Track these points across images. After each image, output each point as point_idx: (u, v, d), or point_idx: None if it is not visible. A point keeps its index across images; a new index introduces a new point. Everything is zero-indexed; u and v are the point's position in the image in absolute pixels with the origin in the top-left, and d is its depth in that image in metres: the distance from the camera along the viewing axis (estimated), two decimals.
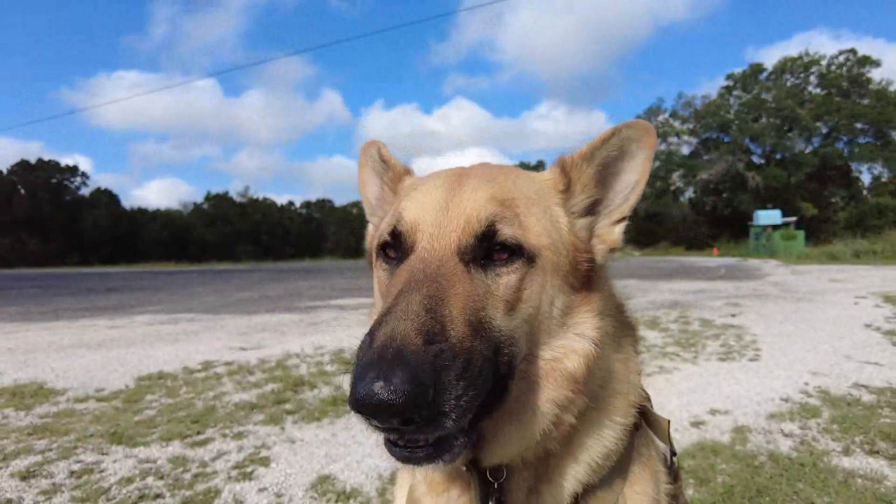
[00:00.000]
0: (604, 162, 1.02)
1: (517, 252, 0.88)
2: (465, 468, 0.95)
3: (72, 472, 3.30)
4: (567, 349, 0.90)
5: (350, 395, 0.67)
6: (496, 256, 0.88)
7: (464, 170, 1.05)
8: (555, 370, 0.89)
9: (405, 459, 0.76)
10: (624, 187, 1.02)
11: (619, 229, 1.03)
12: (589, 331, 0.92)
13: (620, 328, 1.06)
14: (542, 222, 0.93)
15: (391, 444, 0.77)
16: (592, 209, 1.05)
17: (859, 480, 3.01)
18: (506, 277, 0.87)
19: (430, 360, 0.68)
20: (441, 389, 0.67)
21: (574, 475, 0.96)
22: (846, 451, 3.41)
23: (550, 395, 0.89)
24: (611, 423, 0.99)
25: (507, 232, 0.88)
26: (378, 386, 0.64)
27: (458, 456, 0.79)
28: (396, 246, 0.95)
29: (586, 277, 0.96)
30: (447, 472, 0.98)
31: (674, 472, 1.16)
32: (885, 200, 44.00)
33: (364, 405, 0.65)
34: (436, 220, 0.91)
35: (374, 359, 0.67)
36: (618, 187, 1.03)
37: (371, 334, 0.74)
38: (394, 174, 1.19)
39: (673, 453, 1.19)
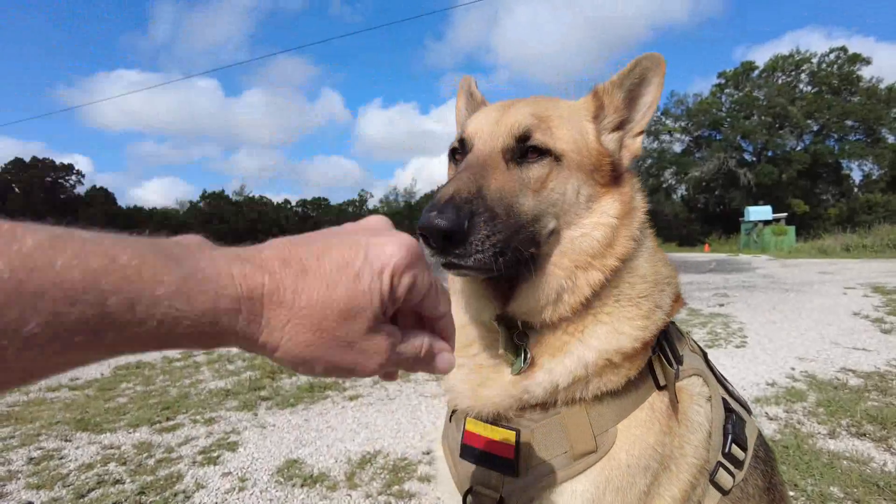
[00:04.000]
0: (629, 87, 1.25)
1: (545, 153, 1.14)
2: (494, 322, 1.15)
3: (31, 459, 3.17)
4: (591, 226, 1.14)
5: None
6: (530, 156, 1.14)
7: (516, 99, 1.31)
8: (574, 242, 1.13)
9: (447, 266, 1.02)
10: (642, 106, 1.25)
11: (639, 140, 1.27)
12: (610, 210, 1.15)
13: (643, 230, 1.24)
14: (569, 133, 1.18)
15: (442, 265, 1.02)
16: (622, 125, 1.27)
17: (845, 462, 2.93)
18: (534, 171, 1.13)
19: (468, 207, 0.99)
20: (471, 226, 0.97)
21: (581, 357, 1.09)
22: (832, 434, 3.34)
23: (568, 261, 1.12)
24: (629, 316, 1.13)
25: (538, 138, 1.14)
26: (432, 215, 0.95)
27: (479, 270, 1.01)
28: (461, 150, 1.25)
29: (612, 177, 1.20)
30: (472, 334, 1.21)
31: (736, 440, 1.21)
32: (875, 197, 44.31)
33: (423, 226, 0.95)
34: (489, 130, 1.19)
35: (434, 203, 0.99)
36: (639, 107, 1.26)
37: (434, 194, 1.04)
38: (474, 103, 1.50)
39: (738, 437, 1.22)
